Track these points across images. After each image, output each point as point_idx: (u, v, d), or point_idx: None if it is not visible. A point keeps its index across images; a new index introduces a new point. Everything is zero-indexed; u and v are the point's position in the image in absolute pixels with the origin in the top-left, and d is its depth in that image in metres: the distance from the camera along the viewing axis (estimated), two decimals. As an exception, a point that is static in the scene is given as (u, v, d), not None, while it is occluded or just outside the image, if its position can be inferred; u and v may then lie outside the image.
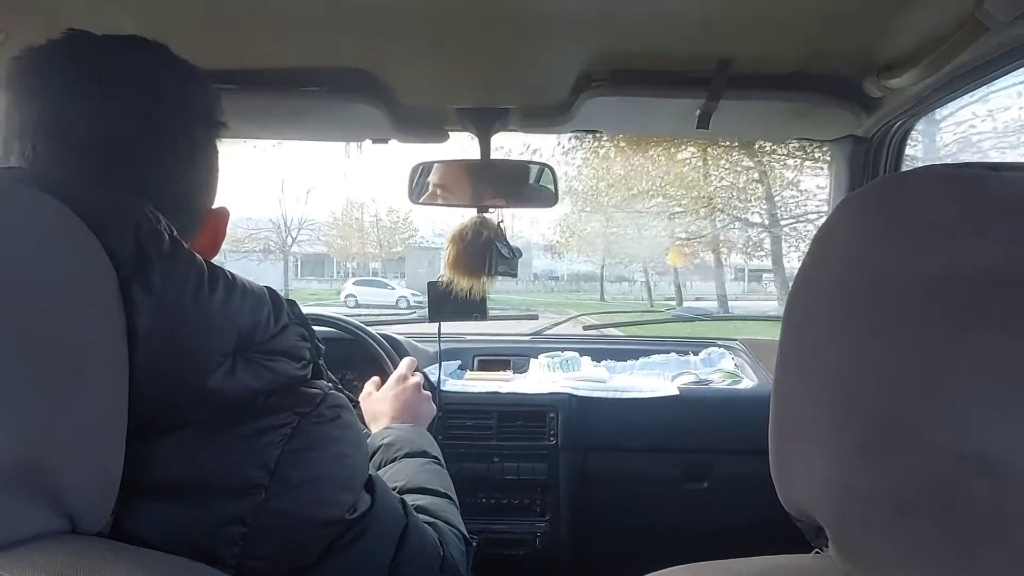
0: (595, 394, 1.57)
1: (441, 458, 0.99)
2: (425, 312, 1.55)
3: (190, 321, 0.50)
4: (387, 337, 1.55)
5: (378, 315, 1.91)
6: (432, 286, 1.50)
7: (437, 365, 1.60)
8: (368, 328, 1.53)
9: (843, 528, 0.37)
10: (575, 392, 1.57)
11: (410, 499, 0.76)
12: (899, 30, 0.90)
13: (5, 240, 0.40)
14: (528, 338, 1.88)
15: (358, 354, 1.48)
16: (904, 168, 1.24)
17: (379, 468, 0.94)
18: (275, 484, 0.52)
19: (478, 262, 1.26)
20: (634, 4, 0.85)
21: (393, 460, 0.94)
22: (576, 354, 1.72)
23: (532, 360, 1.74)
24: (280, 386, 0.56)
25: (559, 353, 1.71)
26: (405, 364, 1.20)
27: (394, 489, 0.76)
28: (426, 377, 1.57)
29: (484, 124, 1.22)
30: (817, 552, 0.43)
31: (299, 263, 22.13)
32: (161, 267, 0.48)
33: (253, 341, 0.54)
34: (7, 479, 0.38)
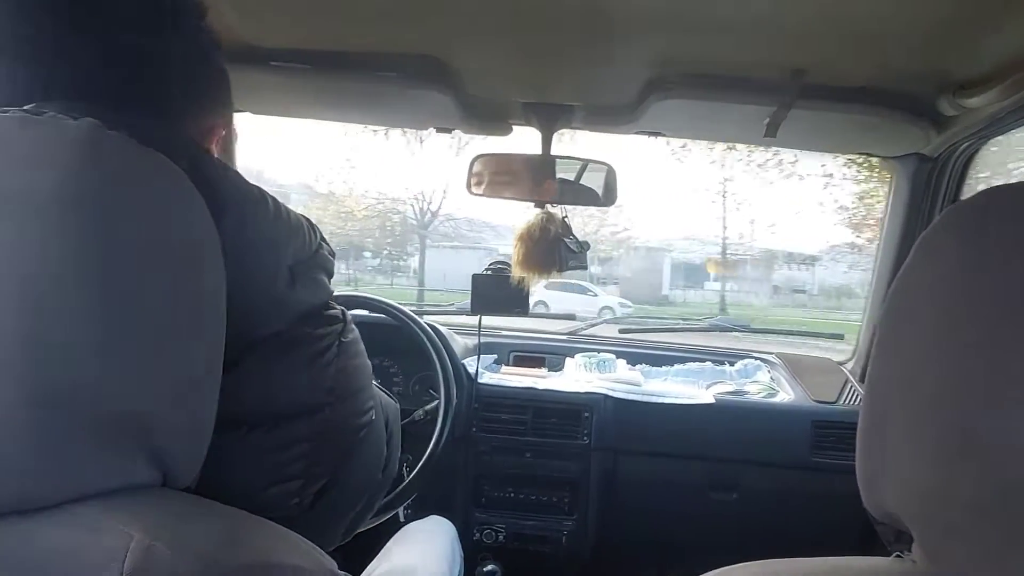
0: (630, 397, 1.57)
1: None
2: (471, 305, 1.55)
3: (253, 238, 0.53)
4: (431, 327, 1.56)
5: (420, 305, 1.90)
6: (476, 278, 1.51)
7: (475, 357, 1.61)
8: (416, 317, 1.53)
9: (929, 530, 0.37)
10: (611, 393, 1.57)
11: None
12: (980, 50, 0.90)
13: (121, 195, 0.40)
14: (564, 337, 1.89)
15: (400, 343, 1.49)
16: (966, 189, 1.24)
17: None
18: (334, 400, 0.58)
19: (549, 258, 1.27)
20: (710, 9, 0.86)
21: None
22: (612, 356, 1.72)
23: (568, 359, 1.75)
24: (322, 302, 0.61)
25: (595, 354, 1.72)
26: None
27: None
28: (464, 368, 1.59)
29: (548, 119, 1.24)
30: (898, 556, 0.44)
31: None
32: (222, 189, 0.51)
33: (303, 255, 0.58)
34: (110, 430, 0.39)
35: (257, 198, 0.54)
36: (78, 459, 0.38)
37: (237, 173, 0.54)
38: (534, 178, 1.29)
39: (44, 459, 0.37)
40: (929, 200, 1.24)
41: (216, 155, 0.61)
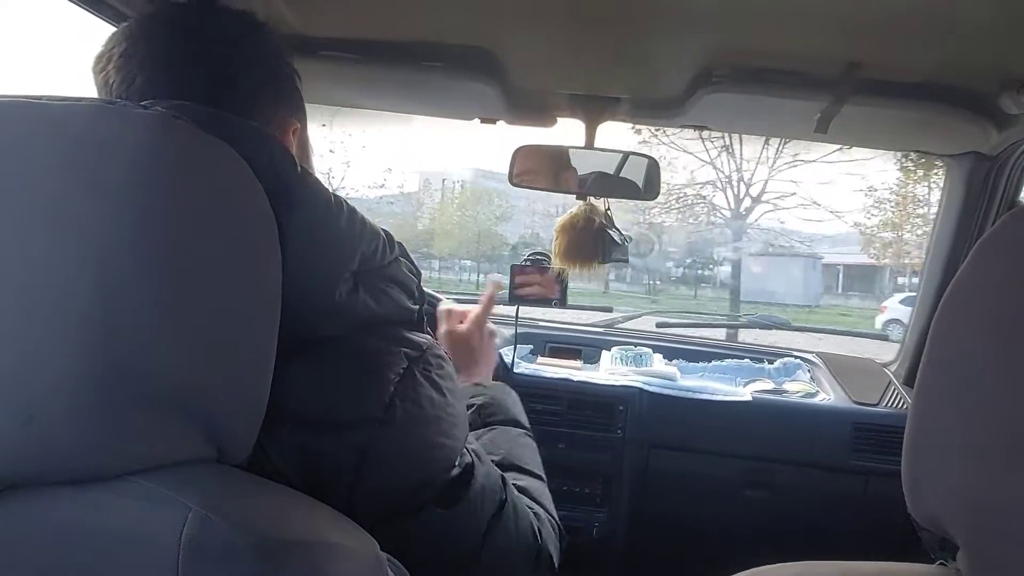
0: (666, 391, 1.56)
1: (530, 430, 0.95)
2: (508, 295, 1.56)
3: (321, 237, 0.54)
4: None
5: (457, 294, 1.92)
6: (514, 268, 1.52)
7: (512, 347, 1.62)
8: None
9: (977, 540, 0.37)
10: (646, 387, 1.57)
11: (510, 478, 0.73)
12: None
13: (186, 182, 0.42)
14: (601, 330, 1.89)
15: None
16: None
17: (472, 430, 0.91)
18: (388, 420, 0.54)
19: (591, 250, 1.27)
20: (763, 0, 0.85)
21: (487, 426, 0.90)
22: (649, 350, 1.71)
23: (604, 352, 1.75)
24: (395, 317, 0.60)
25: (632, 347, 1.71)
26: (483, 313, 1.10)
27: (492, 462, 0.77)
28: (500, 357, 1.60)
29: (594, 112, 1.23)
30: (941, 564, 0.43)
31: (840, 275, 15.31)
32: (296, 186, 0.53)
33: (372, 264, 0.58)
34: (166, 402, 0.40)
35: (328, 201, 0.55)
36: (138, 432, 0.39)
37: (314, 175, 0.56)
38: (578, 170, 1.29)
39: (106, 431, 0.38)
40: (986, 201, 1.20)
41: (296, 149, 0.64)
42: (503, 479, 0.68)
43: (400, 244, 0.63)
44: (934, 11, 0.83)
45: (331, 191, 0.56)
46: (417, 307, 0.64)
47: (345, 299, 0.55)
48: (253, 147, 0.49)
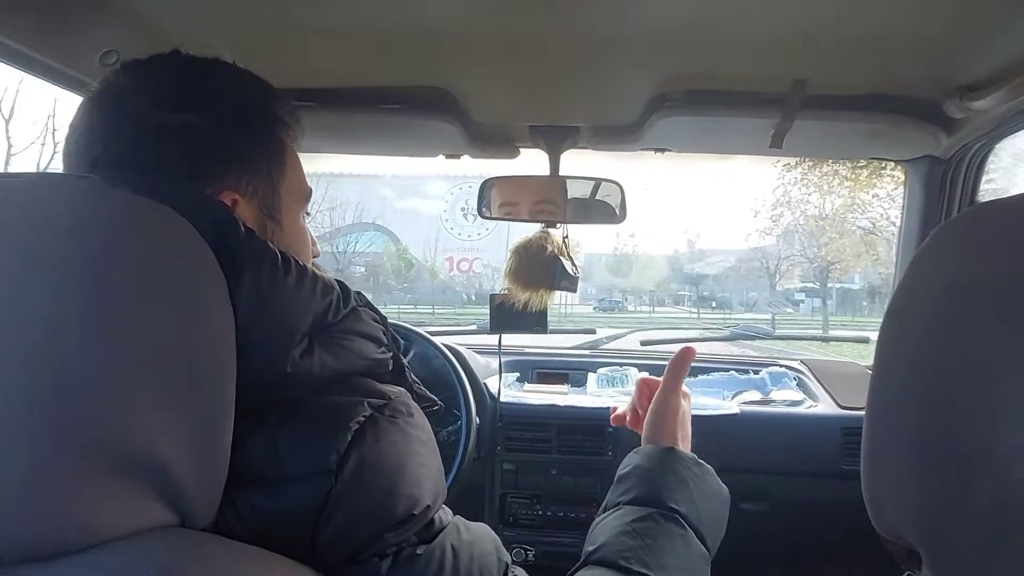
0: (653, 410, 1.56)
1: (709, 518, 0.71)
2: (489, 324, 1.57)
3: (267, 303, 0.52)
4: (449, 347, 1.58)
5: (442, 327, 1.92)
6: (494, 298, 1.53)
7: (497, 376, 1.62)
8: (432, 338, 1.56)
9: (939, 552, 0.37)
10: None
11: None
12: (984, 51, 0.89)
13: (129, 246, 0.42)
14: (587, 352, 1.89)
15: (419, 365, 1.50)
16: (982, 190, 1.21)
17: (600, 513, 0.73)
18: (345, 471, 0.52)
19: (540, 275, 1.29)
20: (709, 26, 0.87)
21: (616, 506, 0.71)
22: (634, 369, 1.72)
23: (590, 374, 1.75)
24: (361, 369, 0.58)
25: (618, 368, 1.72)
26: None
27: (583, 559, 0.65)
28: (486, 388, 1.60)
29: (555, 141, 1.25)
30: (908, 575, 0.43)
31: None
32: (239, 252, 0.51)
33: (326, 321, 0.57)
34: (124, 472, 0.39)
35: (275, 263, 0.54)
36: (99, 503, 0.39)
37: (259, 238, 0.55)
38: (546, 199, 1.30)
39: (66, 505, 0.38)
40: (945, 202, 1.22)
41: (248, 217, 0.61)
42: (506, 568, 0.59)
43: (358, 293, 0.62)
44: (872, 26, 0.85)
45: (278, 252, 0.55)
46: (389, 355, 0.63)
47: (299, 363, 0.54)
48: (194, 209, 0.48)
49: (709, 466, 0.77)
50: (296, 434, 0.53)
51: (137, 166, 0.56)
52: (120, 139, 0.57)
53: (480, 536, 0.60)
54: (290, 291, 0.54)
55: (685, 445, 0.82)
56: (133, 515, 0.41)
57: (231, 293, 0.48)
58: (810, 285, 12.86)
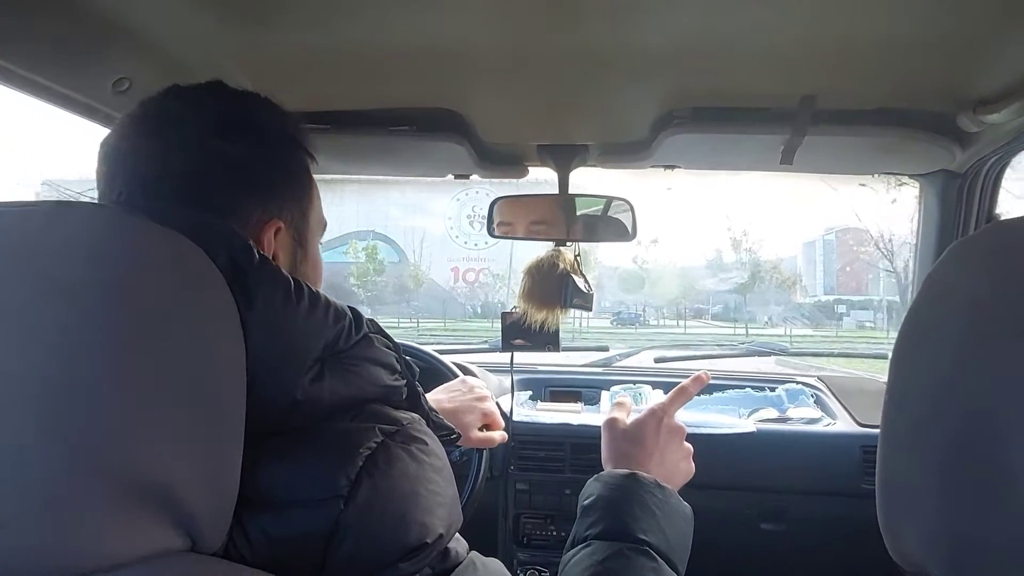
0: (668, 428, 1.54)
1: (677, 542, 0.72)
2: (501, 342, 1.56)
3: (279, 329, 0.52)
4: (459, 366, 1.57)
5: (452, 345, 1.92)
6: (506, 316, 1.52)
7: (509, 395, 1.61)
8: (440, 357, 1.55)
9: None
10: None
11: None
12: (997, 64, 0.87)
13: (143, 274, 0.43)
14: (600, 370, 1.88)
15: (430, 386, 1.50)
16: (1002, 202, 1.19)
17: (568, 549, 0.73)
18: (355, 496, 0.51)
19: (553, 294, 1.28)
20: (715, 43, 0.86)
21: (584, 542, 0.72)
22: (648, 387, 1.70)
23: (603, 392, 1.74)
24: (370, 395, 0.58)
25: (631, 386, 1.70)
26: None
27: None
28: (498, 407, 1.59)
29: (563, 160, 1.25)
30: None
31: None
32: (253, 279, 0.52)
33: (337, 347, 0.57)
34: (135, 497, 0.40)
35: (288, 290, 0.54)
36: (110, 529, 0.39)
37: (272, 264, 0.55)
38: (555, 217, 1.30)
39: (78, 531, 0.38)
40: (962, 217, 1.20)
41: (285, 245, 0.63)
42: None
43: (371, 320, 0.62)
44: (883, 40, 0.84)
45: (292, 279, 0.55)
46: (403, 382, 0.62)
47: (309, 390, 0.53)
48: (208, 237, 0.49)
49: (669, 487, 0.77)
50: (306, 459, 0.53)
51: (189, 190, 0.57)
52: (174, 163, 0.59)
53: (495, 573, 0.60)
54: (302, 317, 0.55)
55: (661, 464, 0.83)
56: (143, 540, 0.41)
57: (243, 319, 0.49)
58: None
